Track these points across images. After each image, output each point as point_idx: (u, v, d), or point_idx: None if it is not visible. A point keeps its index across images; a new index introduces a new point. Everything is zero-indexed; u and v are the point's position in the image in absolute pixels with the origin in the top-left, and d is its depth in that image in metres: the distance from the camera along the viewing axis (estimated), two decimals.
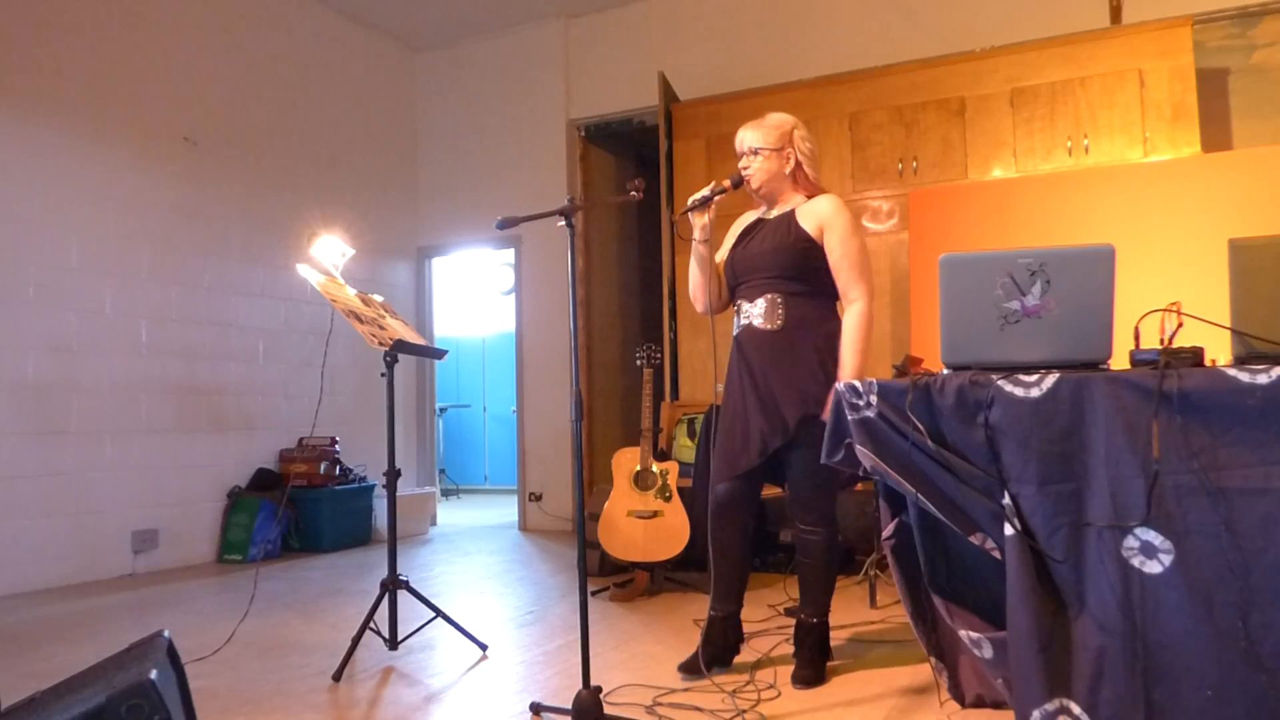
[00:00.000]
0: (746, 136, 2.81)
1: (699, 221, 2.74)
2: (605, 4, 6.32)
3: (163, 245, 5.16)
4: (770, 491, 4.42)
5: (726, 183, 2.74)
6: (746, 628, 3.31)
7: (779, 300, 2.72)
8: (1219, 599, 1.85)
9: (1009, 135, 4.76)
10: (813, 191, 2.82)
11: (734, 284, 2.87)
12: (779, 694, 2.59)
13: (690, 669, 2.76)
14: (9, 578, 4.34)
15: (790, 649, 2.88)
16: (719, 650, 2.84)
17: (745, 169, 2.80)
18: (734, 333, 2.86)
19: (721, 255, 2.94)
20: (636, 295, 7.09)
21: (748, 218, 2.93)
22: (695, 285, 2.87)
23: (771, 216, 2.83)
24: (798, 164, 2.80)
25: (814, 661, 2.73)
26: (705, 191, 2.71)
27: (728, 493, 2.77)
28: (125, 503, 4.87)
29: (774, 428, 2.68)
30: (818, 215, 2.72)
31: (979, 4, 5.24)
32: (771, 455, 2.71)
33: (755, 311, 2.76)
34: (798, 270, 2.70)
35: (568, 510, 6.32)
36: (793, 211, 2.77)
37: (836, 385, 2.29)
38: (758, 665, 2.88)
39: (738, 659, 2.90)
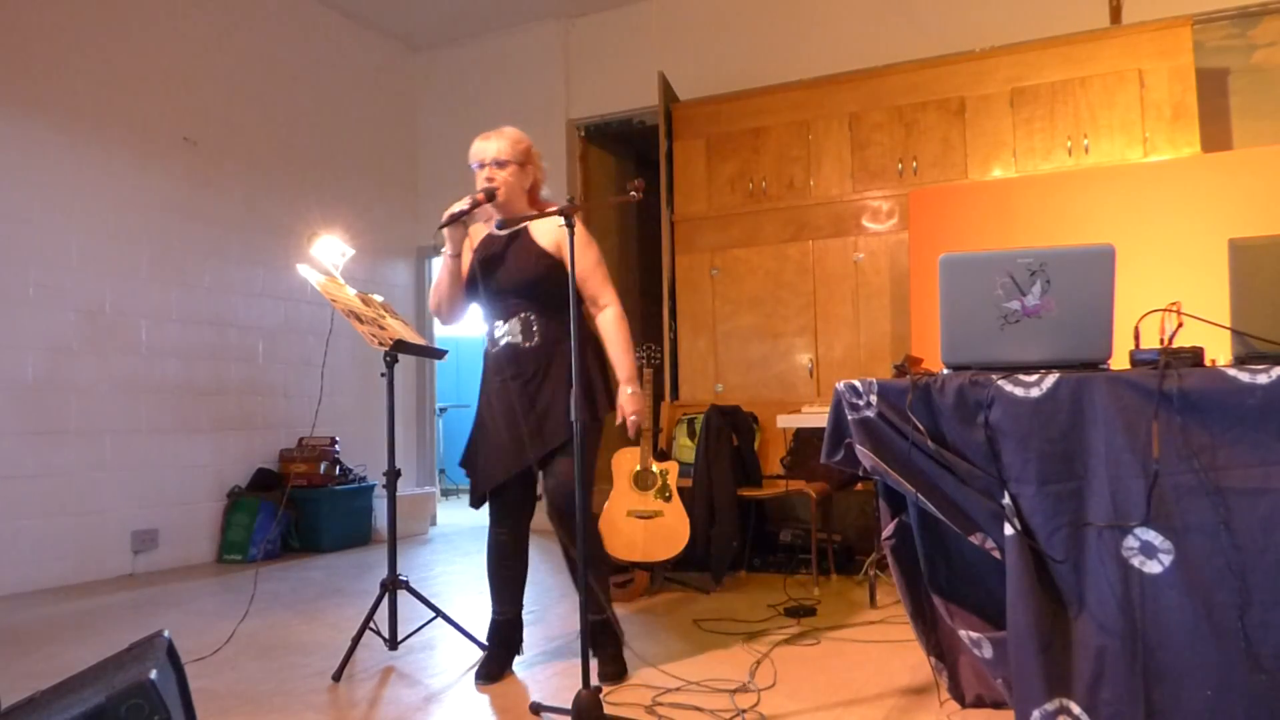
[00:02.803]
0: (489, 148, 2.77)
1: (454, 236, 2.78)
2: (605, 4, 6.32)
3: (163, 245, 5.16)
4: (770, 491, 4.46)
5: (480, 196, 2.73)
6: (747, 627, 3.35)
7: (532, 318, 2.80)
8: (1218, 599, 1.86)
9: (1009, 135, 4.76)
10: (542, 208, 2.80)
11: (480, 301, 2.89)
12: (769, 690, 2.59)
13: (488, 676, 2.82)
14: (9, 578, 4.34)
15: (789, 649, 2.93)
16: (504, 651, 2.94)
17: (491, 180, 2.76)
18: (489, 349, 2.92)
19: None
20: (636, 295, 7.08)
21: (479, 232, 2.91)
22: (442, 297, 2.89)
23: (504, 233, 2.83)
24: (535, 180, 2.85)
25: (614, 658, 2.80)
26: (461, 205, 2.72)
27: (499, 503, 2.94)
28: (125, 503, 4.86)
29: (544, 438, 2.78)
30: (554, 233, 2.76)
31: (979, 4, 5.24)
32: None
33: (512, 330, 2.82)
34: (545, 289, 2.77)
35: None
36: (528, 230, 2.81)
37: (836, 385, 2.30)
38: (757, 665, 2.89)
39: (732, 661, 2.91)
